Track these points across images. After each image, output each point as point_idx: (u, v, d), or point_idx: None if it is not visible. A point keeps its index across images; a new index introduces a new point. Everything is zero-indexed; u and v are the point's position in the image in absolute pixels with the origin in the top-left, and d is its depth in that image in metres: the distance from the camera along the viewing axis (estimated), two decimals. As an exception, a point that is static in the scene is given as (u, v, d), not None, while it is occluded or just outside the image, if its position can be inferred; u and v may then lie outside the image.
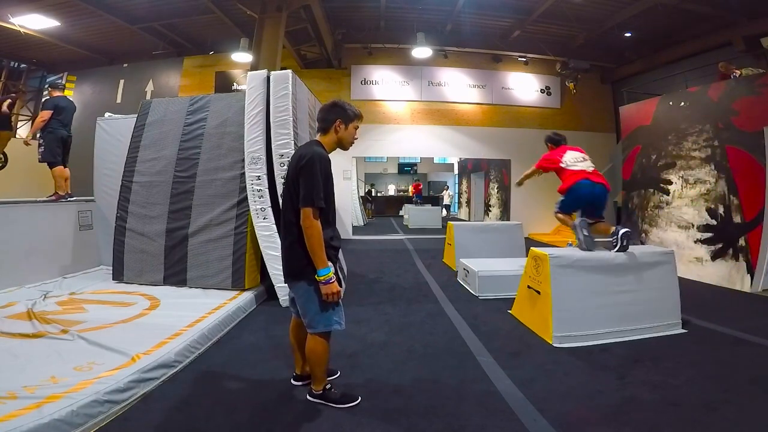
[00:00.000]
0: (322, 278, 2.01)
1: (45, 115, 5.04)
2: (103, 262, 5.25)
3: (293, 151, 4.02)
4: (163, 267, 4.42)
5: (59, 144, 5.17)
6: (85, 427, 1.92)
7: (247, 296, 4.03)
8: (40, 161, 5.17)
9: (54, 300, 3.80)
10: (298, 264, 2.07)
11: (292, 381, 2.49)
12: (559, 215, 4.52)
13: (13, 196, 5.46)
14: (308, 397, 2.28)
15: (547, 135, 4.75)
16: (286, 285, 2.24)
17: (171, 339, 2.82)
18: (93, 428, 1.95)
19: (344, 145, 2.23)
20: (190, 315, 3.35)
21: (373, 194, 18.82)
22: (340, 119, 2.18)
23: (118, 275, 4.57)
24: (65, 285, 4.41)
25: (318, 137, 2.23)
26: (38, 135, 5.11)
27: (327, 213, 2.10)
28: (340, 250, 5.49)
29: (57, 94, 5.32)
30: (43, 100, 5.33)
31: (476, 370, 2.71)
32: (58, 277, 4.68)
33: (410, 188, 19.38)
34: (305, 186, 1.98)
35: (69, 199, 5.26)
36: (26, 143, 5.55)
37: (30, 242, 4.51)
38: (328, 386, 2.26)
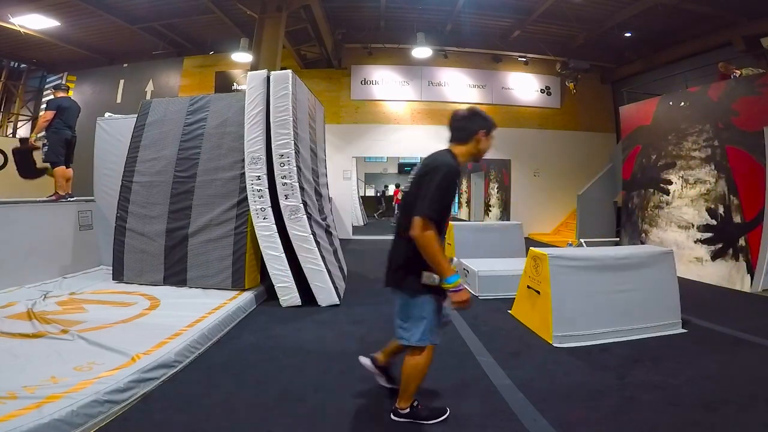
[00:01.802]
0: (450, 286, 1.86)
1: (48, 115, 5.09)
2: (103, 262, 5.25)
3: (293, 151, 4.03)
4: (163, 267, 4.42)
5: (63, 144, 5.21)
6: (85, 427, 1.92)
7: (247, 296, 4.03)
8: (43, 161, 5.23)
9: (54, 300, 3.80)
10: (398, 274, 2.00)
11: (373, 370, 2.39)
12: None
13: (12, 196, 5.47)
14: (393, 417, 2.09)
15: None
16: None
17: (171, 339, 2.82)
18: (93, 428, 1.95)
19: (481, 156, 2.10)
20: (190, 315, 3.34)
21: (385, 195, 18.27)
22: (483, 130, 2.04)
23: (118, 275, 4.57)
24: (65, 285, 4.41)
25: (451, 146, 2.08)
26: (42, 135, 5.17)
27: (440, 225, 1.97)
28: (340, 250, 5.51)
29: (61, 94, 5.37)
30: (47, 100, 5.39)
31: (476, 370, 2.71)
32: (58, 277, 4.68)
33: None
34: (424, 195, 1.86)
35: (69, 199, 5.26)
36: (32, 144, 5.56)
37: (30, 242, 4.50)
38: (416, 403, 2.09)
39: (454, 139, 2.08)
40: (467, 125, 2.05)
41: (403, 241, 1.96)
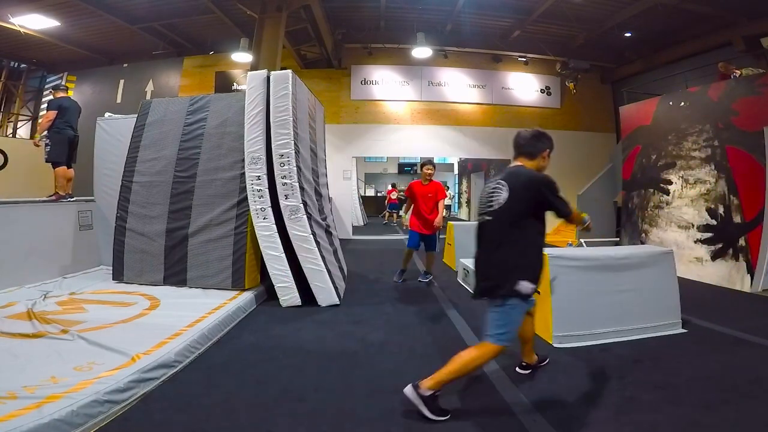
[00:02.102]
0: (585, 222, 2.37)
1: (50, 115, 5.14)
2: (103, 262, 5.25)
3: (293, 151, 4.03)
4: (163, 267, 4.42)
5: (66, 144, 5.23)
6: (85, 427, 1.92)
7: (247, 296, 4.03)
8: (46, 161, 5.26)
9: (54, 300, 3.80)
10: (495, 285, 2.15)
11: (517, 369, 2.68)
12: None
13: (13, 196, 5.47)
14: (406, 391, 2.10)
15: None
16: (488, 297, 2.22)
17: (171, 339, 2.82)
18: (93, 428, 1.95)
19: (542, 171, 2.34)
20: (190, 315, 3.34)
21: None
22: (549, 149, 2.34)
23: (118, 275, 4.57)
24: (65, 285, 4.41)
25: (521, 162, 2.33)
26: (45, 135, 5.22)
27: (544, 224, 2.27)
28: (340, 250, 5.50)
29: (61, 94, 5.41)
30: (47, 101, 5.44)
31: (476, 370, 2.71)
32: (58, 277, 4.68)
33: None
34: (557, 206, 2.19)
35: (69, 199, 5.27)
36: (36, 144, 5.63)
37: (30, 242, 4.50)
38: (437, 393, 2.10)
39: (523, 154, 2.34)
40: (536, 144, 2.32)
41: (498, 257, 2.17)
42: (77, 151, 5.48)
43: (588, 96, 10.90)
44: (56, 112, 5.13)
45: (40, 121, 8.26)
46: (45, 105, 10.44)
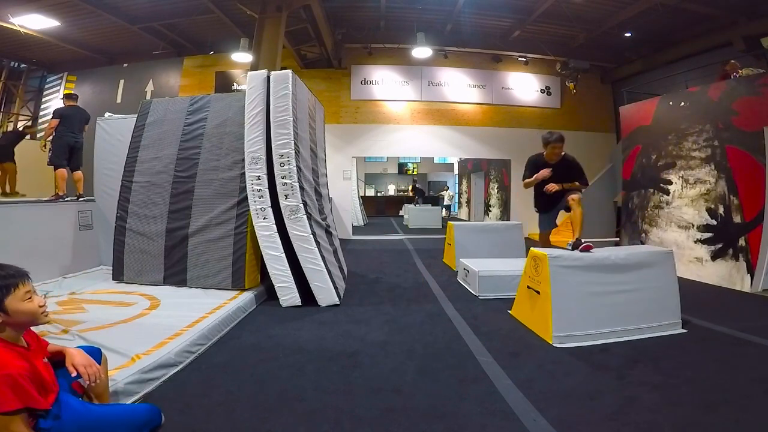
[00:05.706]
0: None
1: (53, 123, 5.48)
2: (103, 262, 5.25)
3: (293, 151, 4.03)
4: (163, 267, 4.42)
5: (65, 149, 5.47)
6: (85, 427, 1.91)
7: (247, 296, 4.03)
8: (48, 164, 5.51)
9: (54, 300, 3.79)
10: None
11: None
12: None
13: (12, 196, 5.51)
14: None
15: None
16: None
17: (171, 339, 2.82)
18: (93, 428, 1.94)
19: None
20: (190, 315, 3.34)
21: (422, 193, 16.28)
22: None
23: (118, 275, 4.57)
24: (65, 285, 4.41)
25: None
26: (50, 140, 5.56)
27: None
28: (340, 250, 5.51)
29: (69, 103, 5.74)
30: (54, 109, 5.91)
31: (476, 370, 2.71)
32: (58, 277, 4.68)
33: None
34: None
35: (79, 200, 5.41)
36: (42, 149, 5.86)
37: (30, 242, 4.50)
38: None
39: None
40: None
41: None
42: (81, 154, 5.69)
43: (588, 96, 10.90)
44: (58, 120, 5.42)
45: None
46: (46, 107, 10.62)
